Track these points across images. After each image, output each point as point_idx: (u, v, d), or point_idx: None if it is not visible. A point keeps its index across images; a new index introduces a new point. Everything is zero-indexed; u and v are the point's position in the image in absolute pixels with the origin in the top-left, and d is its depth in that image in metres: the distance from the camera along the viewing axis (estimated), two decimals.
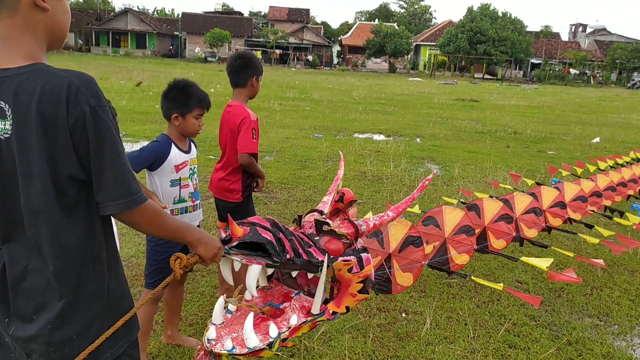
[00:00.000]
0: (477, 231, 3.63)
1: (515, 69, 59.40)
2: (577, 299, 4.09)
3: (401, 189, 7.08)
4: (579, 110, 21.88)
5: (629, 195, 5.43)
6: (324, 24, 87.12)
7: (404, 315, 3.69)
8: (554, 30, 79.93)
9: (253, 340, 1.89)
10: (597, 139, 13.02)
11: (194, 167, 2.93)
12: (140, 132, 10.15)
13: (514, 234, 3.82)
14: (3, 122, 1.31)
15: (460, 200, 4.95)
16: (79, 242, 1.39)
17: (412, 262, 3.11)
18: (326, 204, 2.55)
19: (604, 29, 70.49)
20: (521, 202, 4.08)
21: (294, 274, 2.19)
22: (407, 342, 3.34)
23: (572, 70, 57.23)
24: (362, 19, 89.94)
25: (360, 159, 8.98)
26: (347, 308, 2.25)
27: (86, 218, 1.40)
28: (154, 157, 2.73)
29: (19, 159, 1.31)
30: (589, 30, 71.81)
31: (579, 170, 5.89)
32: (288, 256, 1.94)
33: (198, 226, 3.03)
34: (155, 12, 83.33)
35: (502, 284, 3.04)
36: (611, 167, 6.22)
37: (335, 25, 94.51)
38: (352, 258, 2.22)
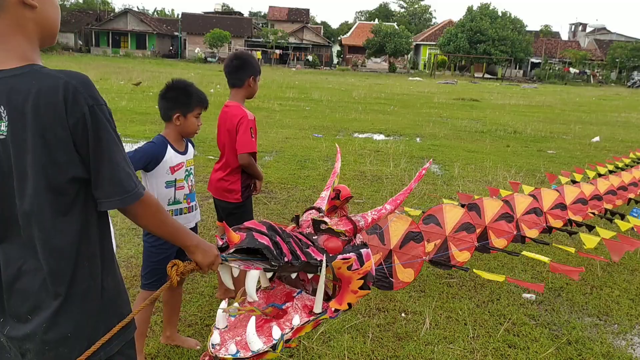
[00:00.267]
0: (478, 231, 3.63)
1: (515, 69, 59.42)
2: (576, 299, 4.08)
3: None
4: (578, 110, 21.88)
5: (630, 199, 5.42)
6: (324, 23, 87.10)
7: (403, 315, 3.68)
8: (554, 29, 79.76)
9: (256, 344, 1.89)
10: (597, 138, 13.01)
11: (190, 169, 2.92)
12: (140, 133, 10.15)
13: (514, 233, 3.82)
14: None
15: (461, 203, 4.92)
16: (74, 242, 1.39)
17: (413, 257, 3.11)
18: (324, 199, 2.54)
19: (604, 28, 70.45)
20: (522, 202, 4.08)
21: (293, 275, 2.19)
22: (406, 342, 3.33)
23: (572, 70, 57.22)
24: (362, 18, 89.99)
25: (360, 159, 8.97)
26: (349, 305, 2.25)
27: (82, 217, 1.40)
28: (148, 158, 2.72)
29: (14, 161, 1.31)
30: (588, 29, 71.75)
31: (579, 177, 5.89)
32: (286, 259, 1.94)
33: (195, 227, 3.03)
34: (155, 13, 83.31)
35: (503, 276, 3.03)
36: (611, 171, 6.21)
37: (335, 25, 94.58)
38: (352, 255, 2.22)
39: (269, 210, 5.84)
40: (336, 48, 72.00)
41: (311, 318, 2.14)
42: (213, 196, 3.58)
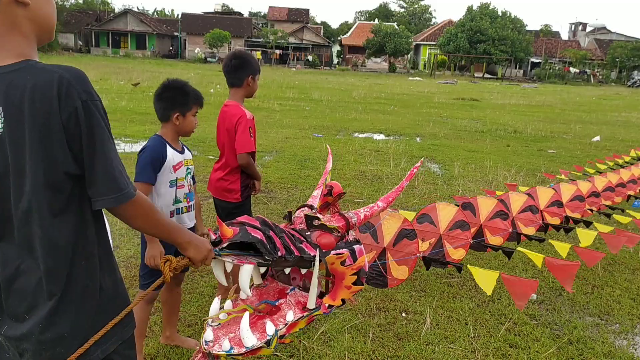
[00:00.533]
0: (473, 229, 3.61)
1: (515, 68, 59.42)
2: (577, 298, 4.07)
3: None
4: (579, 109, 21.87)
5: (629, 196, 5.41)
6: (324, 24, 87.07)
7: (403, 314, 3.67)
8: (554, 29, 79.72)
9: (250, 339, 1.88)
10: (597, 138, 13.00)
11: (190, 168, 2.91)
12: (140, 133, 10.14)
13: (510, 230, 3.80)
14: None
15: (457, 204, 4.90)
16: (71, 240, 1.38)
17: (407, 254, 3.09)
18: (316, 198, 2.54)
19: (604, 28, 70.46)
20: (517, 200, 4.06)
21: (287, 271, 2.17)
22: (407, 341, 3.32)
23: (572, 69, 57.21)
24: (362, 18, 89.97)
25: (360, 159, 8.96)
26: (343, 300, 2.24)
27: (78, 215, 1.39)
28: (159, 161, 2.71)
29: (12, 157, 1.30)
30: (588, 29, 71.77)
31: (578, 174, 5.87)
32: (280, 253, 1.93)
33: (192, 228, 3.01)
34: (155, 13, 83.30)
35: (497, 272, 3.01)
36: (610, 168, 6.20)
37: (335, 25, 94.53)
38: (345, 251, 2.21)
39: (269, 210, 5.83)
40: (336, 48, 72.00)
41: (305, 314, 2.13)
42: (213, 196, 3.57)
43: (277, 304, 2.16)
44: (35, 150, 1.28)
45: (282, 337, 2.04)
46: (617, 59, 55.88)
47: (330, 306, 2.22)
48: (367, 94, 23.68)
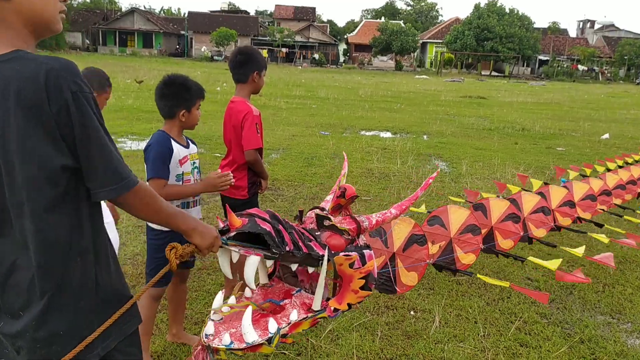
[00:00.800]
0: (483, 231, 3.56)
1: (523, 66, 59.14)
2: (589, 297, 4.02)
3: (408, 185, 7.02)
4: (587, 107, 21.71)
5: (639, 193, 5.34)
6: (330, 22, 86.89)
7: (412, 313, 3.63)
8: (562, 26, 79.40)
9: (251, 335, 1.84)
10: (606, 135, 12.89)
11: (196, 162, 2.89)
12: (147, 131, 10.14)
13: (521, 234, 3.75)
14: None
15: (468, 201, 4.86)
16: (65, 235, 1.34)
17: (417, 261, 3.05)
18: (328, 202, 2.50)
19: (612, 25, 69.98)
20: (529, 201, 4.01)
21: (294, 267, 2.13)
22: (415, 340, 3.28)
23: (580, 67, 56.89)
24: (368, 16, 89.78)
25: (367, 156, 8.92)
26: (349, 305, 2.19)
27: (73, 209, 1.35)
28: (168, 156, 2.69)
29: (1, 151, 1.26)
30: (597, 26, 71.29)
31: (588, 171, 5.80)
32: (287, 248, 1.89)
33: None
34: (161, 12, 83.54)
35: (508, 282, 2.98)
36: (620, 166, 6.12)
37: (341, 23, 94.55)
38: (354, 253, 2.17)
39: (275, 207, 5.80)
40: (342, 46, 71.93)
41: (309, 315, 2.09)
42: (219, 193, 3.54)
43: (281, 303, 2.13)
44: (24, 143, 1.24)
45: (284, 336, 2.00)
46: (625, 57, 55.49)
47: (335, 310, 2.17)
48: (373, 92, 23.62)
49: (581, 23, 74.95)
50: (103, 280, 1.43)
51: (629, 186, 5.18)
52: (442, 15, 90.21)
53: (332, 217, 2.25)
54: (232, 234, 1.79)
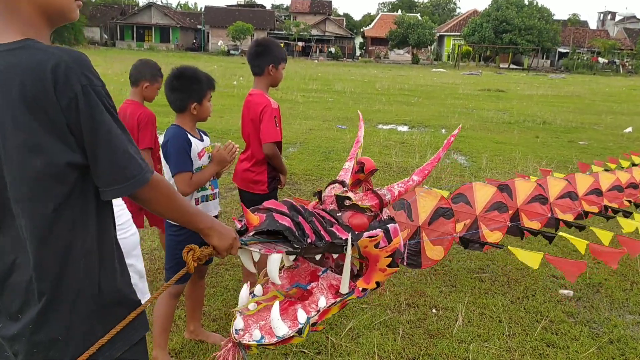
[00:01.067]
0: (510, 212, 3.45)
1: (542, 59, 58.30)
2: (616, 295, 3.89)
3: (427, 180, 6.90)
4: (609, 100, 21.29)
5: None
6: (346, 15, 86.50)
7: (434, 311, 3.54)
8: (582, 18, 78.14)
9: (282, 329, 1.78)
10: (629, 129, 12.61)
11: (210, 154, 2.84)
12: (164, 125, 10.07)
13: (548, 216, 3.62)
14: None
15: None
16: (67, 235, 1.26)
17: (443, 234, 2.96)
18: (347, 171, 2.41)
19: (634, 17, 68.69)
20: (555, 185, 3.88)
21: (317, 257, 2.06)
22: (438, 339, 3.19)
23: (601, 59, 55.93)
24: (385, 10, 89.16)
25: (385, 150, 8.82)
26: (378, 283, 2.11)
27: (79, 208, 1.27)
28: (189, 148, 2.65)
29: (2, 144, 1.19)
30: (618, 18, 70.06)
31: (613, 166, 5.63)
32: (309, 240, 1.82)
33: (217, 217, 2.92)
34: (178, 6, 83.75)
35: (542, 253, 2.85)
36: None
37: (357, 16, 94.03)
38: (378, 232, 2.08)
39: None
40: (359, 40, 71.55)
41: (337, 299, 2.01)
42: (238, 187, 3.48)
43: (309, 287, 2.05)
44: (26, 136, 1.17)
45: (314, 324, 1.94)
46: None
47: (364, 290, 2.10)
48: (390, 85, 23.41)
49: (602, 14, 73.73)
50: (107, 284, 1.35)
51: None
52: (459, 8, 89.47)
53: (352, 195, 2.16)
54: (251, 233, 1.72)
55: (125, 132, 1.28)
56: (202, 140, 2.79)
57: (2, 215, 1.26)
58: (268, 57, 3.25)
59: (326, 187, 2.27)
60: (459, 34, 59.09)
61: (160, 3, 68.45)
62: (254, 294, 1.96)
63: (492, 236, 3.25)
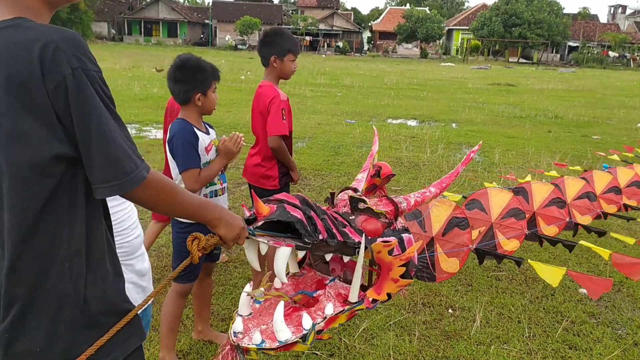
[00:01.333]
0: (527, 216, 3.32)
1: (552, 53, 57.77)
2: (638, 294, 3.76)
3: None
4: (620, 94, 21.02)
5: None
6: (354, 9, 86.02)
7: (450, 311, 3.42)
8: (592, 12, 77.33)
9: (284, 333, 1.66)
10: None
11: (217, 147, 2.73)
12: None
13: (567, 220, 3.49)
14: None
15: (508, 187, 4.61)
16: (49, 236, 1.13)
17: (458, 245, 2.83)
18: (360, 181, 2.29)
19: None
20: (573, 186, 3.75)
21: (328, 257, 1.94)
22: (456, 341, 3.07)
23: (611, 53, 55.35)
24: (393, 3, 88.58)
25: (396, 145, 8.68)
26: (389, 295, 1.99)
27: (66, 206, 1.14)
28: (196, 143, 2.54)
29: None
30: (628, 11, 69.22)
31: (630, 156, 5.47)
32: (321, 237, 1.70)
33: None
34: (186, 1, 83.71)
35: (565, 268, 2.73)
36: None
37: (365, 11, 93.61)
38: (393, 239, 1.96)
39: None
40: (367, 34, 71.15)
41: (346, 308, 1.89)
42: (248, 182, 3.37)
43: (315, 295, 1.93)
44: (10, 124, 1.05)
45: (319, 332, 1.81)
46: None
47: (374, 301, 1.97)
48: (399, 79, 23.23)
49: (612, 8, 72.85)
50: (94, 290, 1.20)
51: None
52: (468, 2, 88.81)
53: (366, 199, 2.05)
54: (260, 223, 1.61)
55: (122, 125, 1.15)
56: (208, 133, 2.68)
57: None
58: (272, 48, 3.15)
59: (339, 192, 2.16)
60: (467, 27, 58.62)
61: None
62: (256, 298, 1.84)
63: (509, 244, 3.12)
